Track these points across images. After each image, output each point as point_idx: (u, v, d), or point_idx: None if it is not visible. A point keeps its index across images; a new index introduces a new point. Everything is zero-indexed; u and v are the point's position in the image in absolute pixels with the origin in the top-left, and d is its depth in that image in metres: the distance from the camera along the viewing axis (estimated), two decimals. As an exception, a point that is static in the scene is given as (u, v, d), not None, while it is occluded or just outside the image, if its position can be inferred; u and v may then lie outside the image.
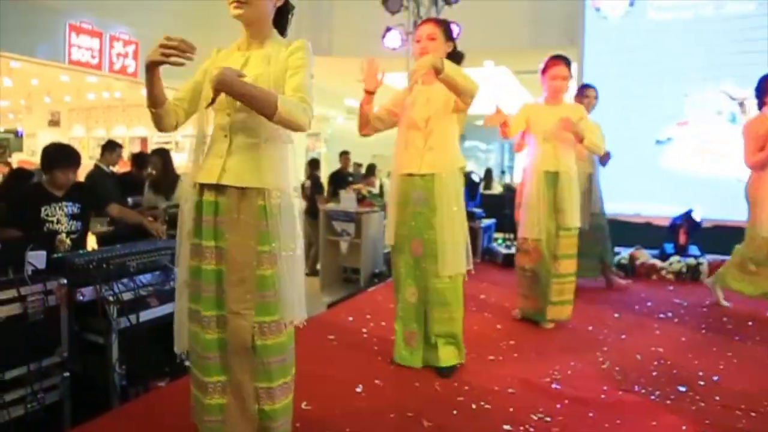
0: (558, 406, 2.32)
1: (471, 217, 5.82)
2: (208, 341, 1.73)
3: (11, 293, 2.13)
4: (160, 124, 1.75)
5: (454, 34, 5.57)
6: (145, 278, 2.69)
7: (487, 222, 6.22)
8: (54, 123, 12.23)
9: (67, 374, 2.34)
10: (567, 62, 3.34)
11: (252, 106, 1.56)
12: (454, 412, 2.26)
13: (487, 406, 2.31)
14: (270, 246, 1.67)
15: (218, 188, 1.69)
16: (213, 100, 1.60)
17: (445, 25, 2.63)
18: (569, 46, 6.40)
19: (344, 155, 7.55)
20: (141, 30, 6.79)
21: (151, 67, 1.61)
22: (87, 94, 10.35)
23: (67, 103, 11.54)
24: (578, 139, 3.24)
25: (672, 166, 5.77)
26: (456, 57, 2.63)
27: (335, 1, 7.98)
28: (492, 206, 6.65)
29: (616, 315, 3.79)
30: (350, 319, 3.58)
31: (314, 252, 6.73)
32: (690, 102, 5.76)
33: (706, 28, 5.68)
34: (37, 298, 2.22)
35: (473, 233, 5.71)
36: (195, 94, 1.76)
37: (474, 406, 2.31)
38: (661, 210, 5.53)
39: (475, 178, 6.36)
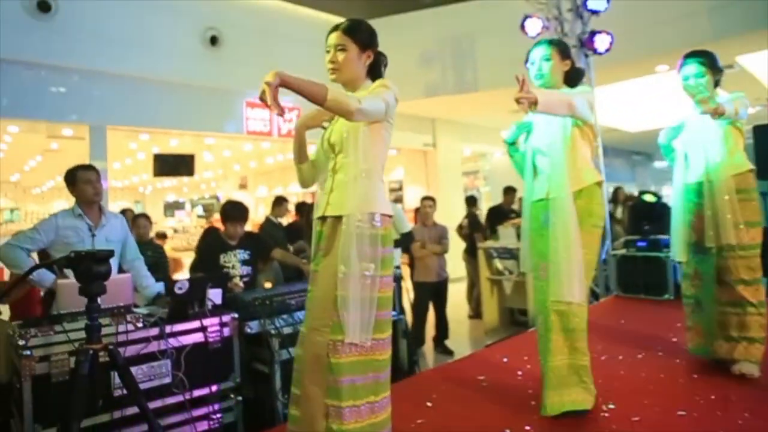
0: None
1: (655, 245, 4.99)
2: (296, 355, 1.95)
3: (196, 324, 2.60)
4: (302, 178, 2.12)
5: (607, 44, 5.18)
6: (301, 315, 2.93)
7: (677, 251, 5.29)
8: (243, 186, 14.23)
9: (240, 398, 2.71)
10: (700, 57, 2.89)
11: (305, 93, 1.66)
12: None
13: None
14: (344, 269, 1.79)
15: (323, 219, 1.94)
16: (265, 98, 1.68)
17: (559, 45, 2.58)
18: (765, 28, 5.46)
19: (509, 192, 6.88)
20: (298, 97, 7.69)
21: (303, 131, 2.01)
22: (266, 159, 11.90)
23: (252, 168, 13.37)
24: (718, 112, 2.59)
25: None
26: (576, 75, 2.58)
27: (475, 36, 8.04)
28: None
29: None
30: (505, 360, 3.30)
31: (477, 293, 6.46)
32: None
33: None
34: (215, 329, 2.66)
35: (659, 265, 4.93)
36: (320, 154, 2.06)
37: None
38: None
39: (650, 198, 5.58)
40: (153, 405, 2.29)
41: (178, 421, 2.46)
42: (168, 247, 7.57)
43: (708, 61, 2.88)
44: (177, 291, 2.54)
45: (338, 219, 1.86)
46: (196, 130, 7.30)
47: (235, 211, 3.52)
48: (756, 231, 2.77)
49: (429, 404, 2.61)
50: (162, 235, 7.61)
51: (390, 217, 1.90)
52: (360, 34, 1.92)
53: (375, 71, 2.00)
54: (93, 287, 1.76)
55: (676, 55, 6.69)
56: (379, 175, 1.91)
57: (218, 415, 2.61)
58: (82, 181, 2.86)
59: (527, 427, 2.30)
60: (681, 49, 6.32)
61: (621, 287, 5.11)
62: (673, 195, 3.08)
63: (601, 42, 5.32)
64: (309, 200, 11.76)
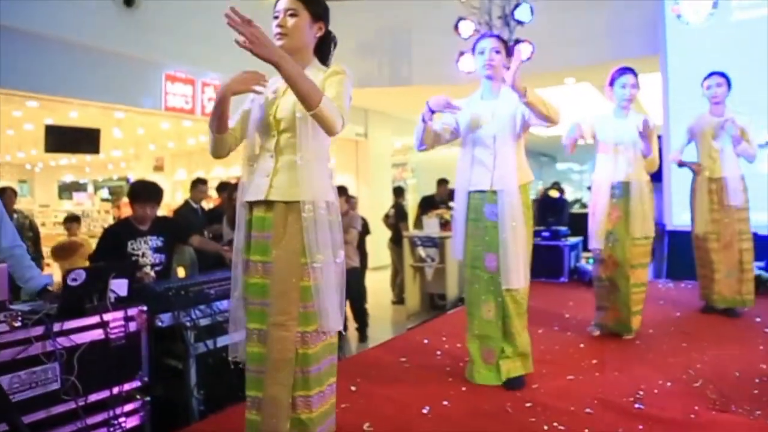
0: (640, 426, 2.14)
1: (556, 235, 5.82)
2: (250, 354, 1.80)
3: (95, 320, 2.26)
4: (219, 150, 1.87)
5: (528, 53, 5.60)
6: (221, 305, 2.76)
7: (573, 240, 5.97)
8: (158, 168, 13.27)
9: (148, 398, 2.44)
10: (634, 72, 3.38)
11: (298, 89, 1.59)
12: (523, 432, 2.13)
13: (560, 426, 2.17)
14: (309, 258, 1.72)
15: (267, 205, 1.78)
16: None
17: (505, 42, 2.67)
18: (651, 56, 6.20)
19: (442, 183, 7.24)
20: (229, 75, 7.19)
21: (229, 96, 1.76)
22: (187, 139, 11.17)
23: (170, 149, 12.50)
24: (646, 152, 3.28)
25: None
26: None
27: (413, 32, 8.16)
28: (580, 224, 6.36)
29: (716, 331, 3.51)
30: (425, 341, 3.51)
31: (400, 280, 6.72)
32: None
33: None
34: (119, 324, 2.35)
35: (558, 253, 5.73)
36: (244, 123, 1.88)
37: (546, 427, 2.18)
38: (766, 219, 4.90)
39: (553, 194, 6.13)
40: (36, 417, 1.99)
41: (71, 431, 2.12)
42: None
43: (637, 76, 3.39)
44: (70, 283, 2.18)
45: (288, 205, 1.74)
46: (103, 102, 6.44)
47: (144, 191, 3.13)
48: (652, 224, 3.42)
49: (353, 388, 2.64)
50: (73, 218, 6.51)
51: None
52: (313, 3, 1.83)
53: (323, 49, 1.90)
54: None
55: (581, 70, 7.27)
56: (329, 160, 1.84)
57: (121, 420, 2.31)
58: None
59: (445, 402, 2.48)
60: (585, 66, 6.92)
61: (526, 272, 5.88)
62: (595, 189, 3.52)
63: (524, 50, 5.81)
64: (233, 181, 11.26)
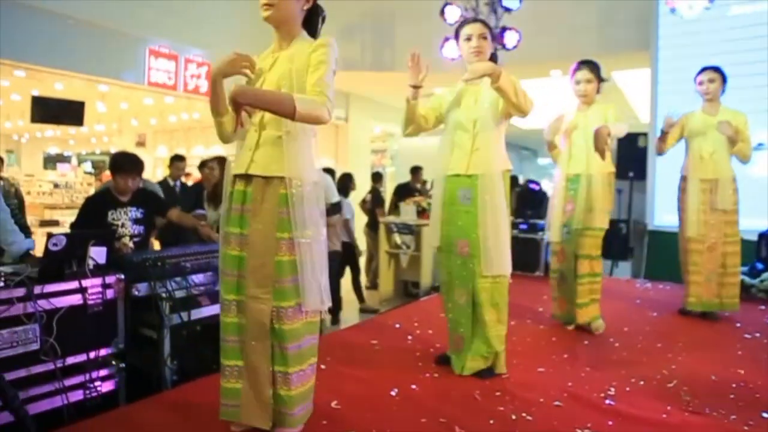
0: (609, 422, 2.12)
1: (533, 228, 5.79)
2: (227, 324, 1.83)
3: (74, 285, 2.32)
4: (223, 132, 1.89)
5: (515, 42, 5.54)
6: (197, 278, 2.83)
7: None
8: (140, 144, 13.17)
9: (123, 365, 2.50)
10: (591, 66, 3.38)
11: (273, 111, 1.70)
12: (491, 421, 2.13)
13: (528, 417, 2.16)
14: (289, 233, 1.74)
15: (247, 178, 1.81)
16: (238, 116, 1.75)
17: (490, 28, 2.63)
18: (642, 50, 6.11)
19: (416, 171, 7.32)
20: (212, 52, 7.15)
21: (220, 78, 1.79)
22: (169, 117, 11.07)
23: (153, 125, 12.41)
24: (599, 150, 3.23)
25: (765, 174, 5.05)
26: (493, 58, 2.63)
27: (396, 17, 8.07)
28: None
29: (692, 334, 3.44)
30: (397, 325, 3.52)
31: (375, 265, 6.68)
32: (783, 102, 5.07)
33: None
34: (97, 291, 2.41)
35: (534, 246, 5.78)
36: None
37: (514, 417, 2.16)
38: (754, 224, 4.64)
39: (535, 186, 6.17)
40: (16, 374, 2.06)
41: (48, 391, 2.19)
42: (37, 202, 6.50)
43: (596, 69, 3.39)
44: (51, 248, 2.24)
45: (266, 179, 1.77)
46: (87, 74, 6.37)
47: (126, 163, 3.15)
48: (607, 217, 3.40)
49: (323, 367, 2.61)
50: None
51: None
52: None
53: (312, 23, 1.89)
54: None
55: (566, 62, 7.13)
56: (314, 135, 1.84)
57: (96, 384, 2.38)
58: None
59: (413, 386, 2.46)
60: (573, 57, 6.95)
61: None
62: (554, 182, 3.52)
63: (510, 38, 5.72)
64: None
